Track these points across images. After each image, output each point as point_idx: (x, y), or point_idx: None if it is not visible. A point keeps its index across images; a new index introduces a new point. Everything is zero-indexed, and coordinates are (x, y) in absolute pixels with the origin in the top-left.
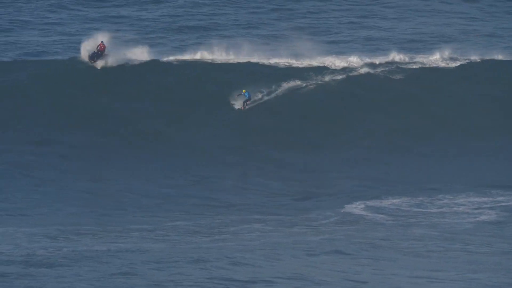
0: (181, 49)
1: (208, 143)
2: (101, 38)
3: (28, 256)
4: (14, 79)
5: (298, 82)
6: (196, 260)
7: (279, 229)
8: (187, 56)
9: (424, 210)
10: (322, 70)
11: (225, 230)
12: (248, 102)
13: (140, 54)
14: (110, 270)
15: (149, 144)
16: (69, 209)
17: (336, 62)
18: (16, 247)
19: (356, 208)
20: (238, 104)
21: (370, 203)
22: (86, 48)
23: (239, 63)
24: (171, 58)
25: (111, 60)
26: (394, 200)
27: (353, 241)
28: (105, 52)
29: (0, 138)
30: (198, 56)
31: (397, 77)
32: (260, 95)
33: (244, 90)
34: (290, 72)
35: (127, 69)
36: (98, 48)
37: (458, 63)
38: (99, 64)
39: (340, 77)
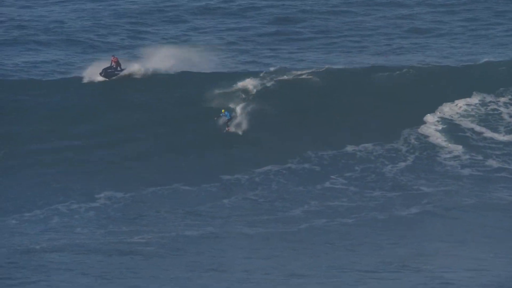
0: None
1: None
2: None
3: None
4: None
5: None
6: None
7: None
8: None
9: (499, 140)
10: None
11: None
12: (229, 123)
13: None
14: None
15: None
16: None
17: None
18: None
19: (431, 126)
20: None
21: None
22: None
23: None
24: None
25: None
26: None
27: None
28: (121, 66)
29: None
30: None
31: None
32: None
33: (223, 110)
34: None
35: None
36: (112, 64)
37: None
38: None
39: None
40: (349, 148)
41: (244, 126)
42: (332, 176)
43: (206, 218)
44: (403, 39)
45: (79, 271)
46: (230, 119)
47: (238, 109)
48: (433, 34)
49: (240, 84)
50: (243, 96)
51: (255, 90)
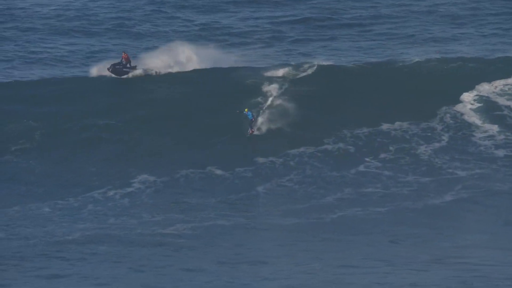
0: None
1: None
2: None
3: None
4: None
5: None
6: None
7: None
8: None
9: None
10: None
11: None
12: (252, 124)
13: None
14: None
15: None
16: None
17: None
18: None
19: (467, 104)
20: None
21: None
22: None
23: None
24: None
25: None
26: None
27: None
28: (131, 64)
29: None
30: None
31: None
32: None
33: (246, 110)
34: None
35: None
36: (122, 60)
37: None
38: (125, 74)
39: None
40: (384, 127)
41: (279, 106)
42: (366, 159)
43: (240, 207)
44: (439, 27)
45: (111, 264)
46: (253, 120)
47: (273, 91)
48: (469, 22)
49: (274, 72)
50: (278, 80)
51: (289, 76)
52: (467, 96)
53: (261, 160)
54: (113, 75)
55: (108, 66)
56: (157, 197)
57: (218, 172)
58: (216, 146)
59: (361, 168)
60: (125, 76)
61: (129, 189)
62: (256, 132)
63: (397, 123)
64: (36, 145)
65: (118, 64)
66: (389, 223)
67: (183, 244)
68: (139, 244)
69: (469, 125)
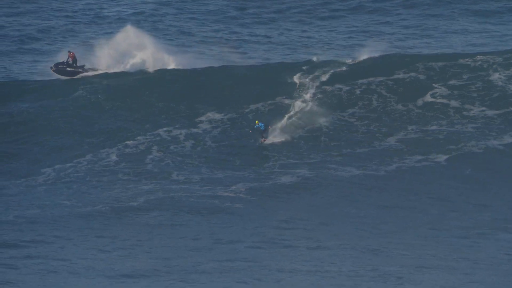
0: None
1: None
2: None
3: None
4: None
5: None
6: None
7: None
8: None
9: None
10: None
11: None
12: (264, 134)
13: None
14: None
15: None
16: None
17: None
18: None
19: None
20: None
21: None
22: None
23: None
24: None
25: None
26: None
27: None
28: (77, 63)
29: None
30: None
31: None
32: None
33: (257, 122)
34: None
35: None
36: (69, 59)
37: None
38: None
39: None
40: (462, 61)
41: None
42: (435, 85)
43: (303, 150)
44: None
45: (171, 235)
46: (265, 130)
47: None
48: None
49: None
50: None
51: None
52: None
53: (327, 87)
54: (57, 75)
55: (52, 65)
56: (221, 140)
57: (287, 101)
58: (283, 77)
59: (428, 98)
60: (77, 76)
61: (194, 130)
62: (268, 141)
63: (478, 57)
64: (105, 82)
65: (62, 63)
66: (445, 178)
67: (239, 210)
68: (199, 212)
69: None
